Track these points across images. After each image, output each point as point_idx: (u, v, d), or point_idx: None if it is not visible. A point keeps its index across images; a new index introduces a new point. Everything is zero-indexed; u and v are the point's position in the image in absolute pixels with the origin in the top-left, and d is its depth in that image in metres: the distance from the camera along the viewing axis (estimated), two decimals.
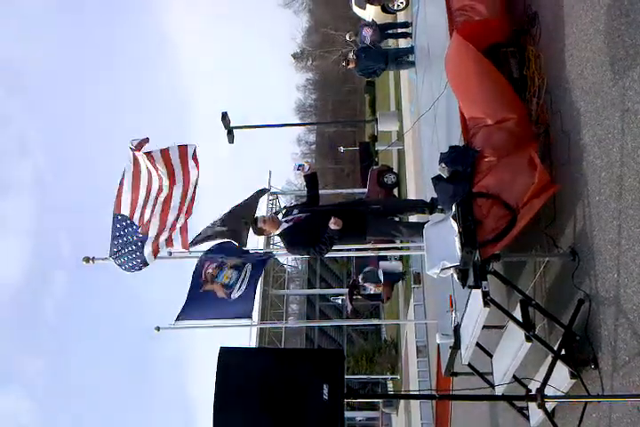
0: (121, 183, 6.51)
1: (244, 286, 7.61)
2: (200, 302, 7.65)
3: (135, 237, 6.57)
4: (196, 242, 7.09)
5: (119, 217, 6.63)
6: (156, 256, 6.56)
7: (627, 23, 3.50)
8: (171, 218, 6.44)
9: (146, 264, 6.62)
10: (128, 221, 6.61)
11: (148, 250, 6.49)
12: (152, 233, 6.50)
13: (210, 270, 7.58)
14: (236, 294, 7.62)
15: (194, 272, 7.65)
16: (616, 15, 3.62)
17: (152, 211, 6.48)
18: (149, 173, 6.39)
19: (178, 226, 6.45)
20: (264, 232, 6.32)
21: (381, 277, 19.07)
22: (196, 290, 7.63)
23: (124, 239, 6.67)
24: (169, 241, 6.50)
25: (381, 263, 19.78)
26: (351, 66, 11.31)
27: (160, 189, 6.44)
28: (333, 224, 5.76)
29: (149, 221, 6.50)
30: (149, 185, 6.46)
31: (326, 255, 6.39)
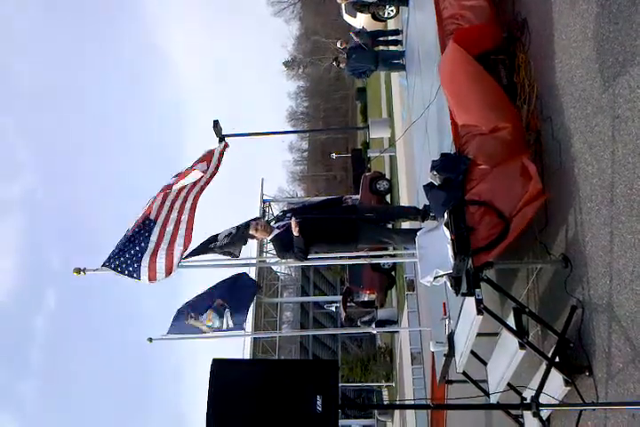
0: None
1: (231, 323, 7.75)
2: (188, 329, 7.79)
3: (139, 246, 6.40)
4: (191, 255, 7.05)
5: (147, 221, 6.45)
6: (151, 281, 6.44)
7: (615, 30, 3.51)
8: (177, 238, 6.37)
9: (138, 280, 6.47)
10: (152, 224, 6.44)
11: (144, 274, 6.34)
12: (151, 248, 6.35)
13: (190, 321, 7.69)
14: (226, 326, 7.76)
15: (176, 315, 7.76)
16: (605, 22, 3.64)
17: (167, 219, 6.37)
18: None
19: (177, 251, 6.38)
20: (256, 238, 6.41)
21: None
22: (181, 321, 7.72)
23: (133, 244, 6.50)
24: (168, 269, 6.42)
25: (379, 311, 20.15)
26: (342, 65, 11.33)
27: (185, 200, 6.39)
28: (293, 230, 6.00)
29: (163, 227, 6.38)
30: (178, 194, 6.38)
31: (318, 264, 6.54)
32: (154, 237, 6.37)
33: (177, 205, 6.40)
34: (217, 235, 7.02)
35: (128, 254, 6.39)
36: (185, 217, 6.42)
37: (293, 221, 5.98)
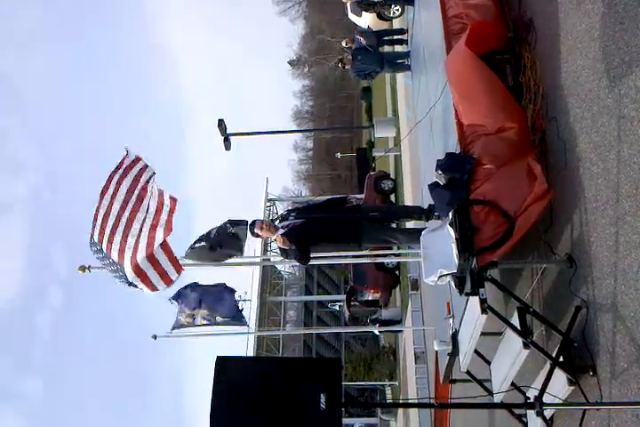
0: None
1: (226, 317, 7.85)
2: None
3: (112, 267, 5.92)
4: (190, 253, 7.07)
5: (92, 243, 5.95)
6: (152, 290, 6.00)
7: (621, 30, 3.51)
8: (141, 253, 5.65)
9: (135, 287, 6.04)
10: (99, 247, 5.90)
11: (140, 285, 5.87)
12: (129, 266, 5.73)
13: (185, 312, 7.74)
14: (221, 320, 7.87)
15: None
16: (610, 22, 3.63)
17: (124, 242, 5.67)
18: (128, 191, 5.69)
19: (162, 257, 5.92)
20: (261, 237, 6.44)
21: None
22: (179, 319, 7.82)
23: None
24: (164, 277, 6.02)
25: (383, 312, 20.30)
26: (347, 67, 11.30)
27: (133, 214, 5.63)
28: (281, 243, 6.04)
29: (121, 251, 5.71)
30: (123, 207, 5.69)
31: (323, 263, 6.58)
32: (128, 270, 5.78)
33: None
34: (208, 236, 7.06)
35: (114, 273, 5.99)
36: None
37: (279, 237, 6.01)
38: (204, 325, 8.18)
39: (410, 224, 9.06)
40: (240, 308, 8.51)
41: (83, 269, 7.47)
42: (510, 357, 4.21)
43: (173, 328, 8.44)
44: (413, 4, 9.99)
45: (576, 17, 4.15)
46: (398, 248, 9.67)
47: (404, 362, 21.32)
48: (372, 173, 21.10)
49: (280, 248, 6.50)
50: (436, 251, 4.56)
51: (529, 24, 5.08)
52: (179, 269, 6.11)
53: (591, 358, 3.72)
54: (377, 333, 21.32)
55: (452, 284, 4.56)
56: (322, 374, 3.28)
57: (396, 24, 16.88)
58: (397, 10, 15.26)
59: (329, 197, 8.75)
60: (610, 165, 3.61)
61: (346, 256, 9.21)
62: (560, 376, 3.75)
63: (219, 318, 8.20)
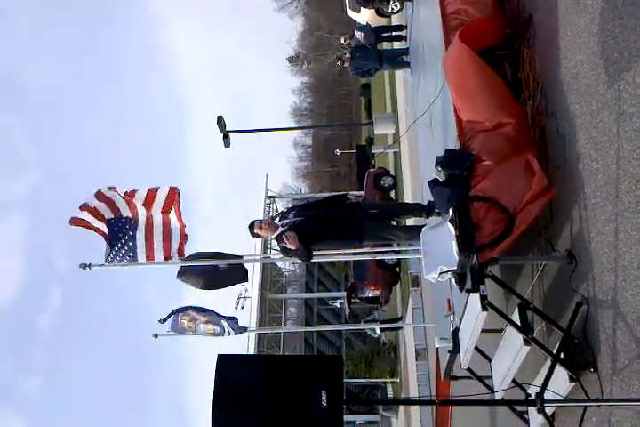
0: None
1: (232, 332, 8.00)
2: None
3: (127, 233, 6.70)
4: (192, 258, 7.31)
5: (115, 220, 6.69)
6: (150, 259, 6.64)
7: (620, 26, 3.50)
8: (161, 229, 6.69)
9: (135, 261, 6.74)
10: (123, 220, 6.70)
11: (142, 254, 6.57)
12: (142, 233, 6.64)
13: (184, 322, 7.89)
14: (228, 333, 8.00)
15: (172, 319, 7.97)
16: (610, 18, 3.62)
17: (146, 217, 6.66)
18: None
19: (174, 239, 6.53)
20: (260, 236, 6.42)
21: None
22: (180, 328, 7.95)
23: (120, 238, 6.75)
24: (166, 253, 6.62)
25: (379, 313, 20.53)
26: (346, 64, 11.30)
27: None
28: (289, 244, 5.91)
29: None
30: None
31: (323, 260, 6.53)
32: (140, 234, 6.70)
33: (155, 213, 6.87)
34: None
35: (122, 249, 6.71)
36: (175, 225, 6.88)
37: (290, 237, 5.88)
38: (209, 333, 8.24)
39: (410, 221, 9.07)
40: (239, 307, 8.68)
41: (84, 266, 7.49)
42: (511, 353, 4.21)
43: (174, 332, 8.48)
44: (412, 1, 9.98)
45: (575, 12, 4.14)
46: (399, 245, 9.66)
47: (404, 359, 21.34)
48: (371, 169, 21.07)
49: (280, 245, 6.48)
50: (437, 248, 4.56)
51: (528, 20, 5.06)
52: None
53: (592, 355, 3.71)
54: (378, 331, 21.42)
55: (453, 280, 4.56)
56: (323, 371, 3.28)
57: (395, 20, 16.83)
58: (396, 6, 15.22)
59: (328, 194, 8.74)
60: (609, 161, 3.60)
61: (346, 253, 9.21)
62: (561, 373, 3.75)
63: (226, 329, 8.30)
